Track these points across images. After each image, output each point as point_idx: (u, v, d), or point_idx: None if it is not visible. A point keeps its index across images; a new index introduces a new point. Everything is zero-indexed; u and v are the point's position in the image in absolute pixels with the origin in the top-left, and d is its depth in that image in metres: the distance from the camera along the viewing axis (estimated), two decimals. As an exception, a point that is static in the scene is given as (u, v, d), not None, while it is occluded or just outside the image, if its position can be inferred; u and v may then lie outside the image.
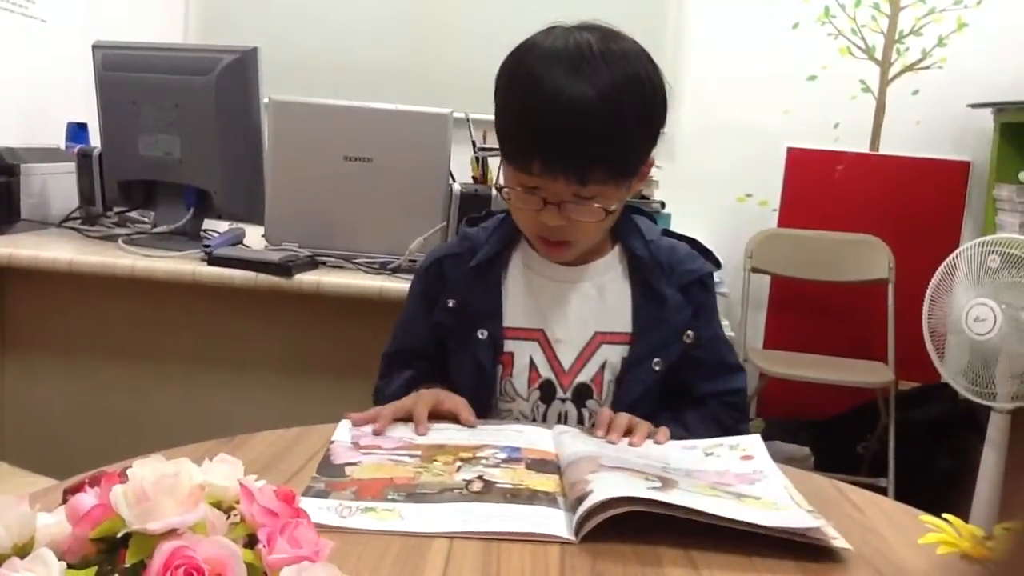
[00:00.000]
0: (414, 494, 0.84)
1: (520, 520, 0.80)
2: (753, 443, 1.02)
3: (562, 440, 0.99)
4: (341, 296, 1.71)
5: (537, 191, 1.08)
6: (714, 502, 0.81)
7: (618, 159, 1.07)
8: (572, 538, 0.77)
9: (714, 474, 0.93)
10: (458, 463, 0.92)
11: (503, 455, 0.95)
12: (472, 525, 0.79)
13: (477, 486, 0.86)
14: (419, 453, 0.95)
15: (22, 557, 0.50)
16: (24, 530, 0.52)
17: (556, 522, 0.80)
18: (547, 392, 1.17)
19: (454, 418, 1.07)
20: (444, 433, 1.03)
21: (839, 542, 0.78)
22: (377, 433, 1.02)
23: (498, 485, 0.87)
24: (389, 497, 0.83)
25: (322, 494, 0.83)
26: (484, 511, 0.81)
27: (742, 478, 0.92)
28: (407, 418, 1.06)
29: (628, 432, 1.04)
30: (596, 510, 0.77)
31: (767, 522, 0.78)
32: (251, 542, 0.54)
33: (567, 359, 1.17)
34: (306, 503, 0.80)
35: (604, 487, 0.80)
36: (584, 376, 1.17)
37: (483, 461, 0.93)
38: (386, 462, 0.92)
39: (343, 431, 1.01)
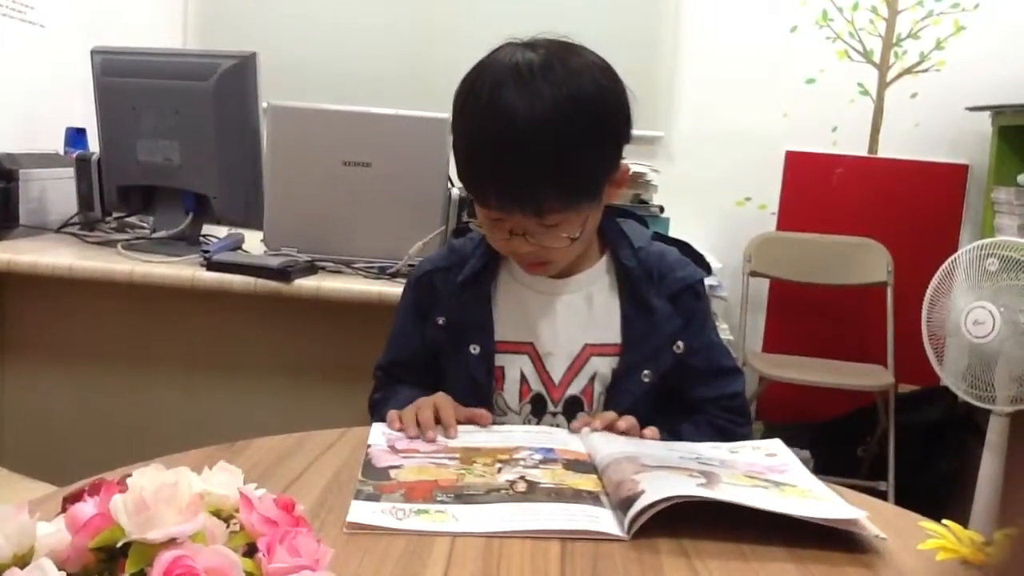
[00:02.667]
0: (462, 495, 0.86)
1: (571, 518, 0.82)
2: (774, 445, 1.05)
3: (592, 441, 1.01)
4: (340, 301, 1.71)
5: (502, 222, 1.07)
6: (762, 494, 0.84)
7: (572, 185, 1.04)
8: (624, 535, 0.79)
9: (744, 465, 0.96)
10: (498, 465, 0.94)
11: (539, 456, 0.97)
12: (525, 524, 0.80)
13: (522, 486, 0.88)
14: (457, 456, 0.97)
15: (22, 567, 0.50)
16: (24, 539, 0.52)
17: (605, 521, 0.82)
18: (538, 406, 1.17)
19: (470, 423, 1.08)
20: (475, 436, 1.05)
21: (876, 531, 0.81)
22: (411, 437, 1.03)
23: (541, 485, 0.89)
24: (438, 499, 0.85)
25: (373, 497, 0.85)
26: (534, 510, 0.83)
27: (772, 469, 0.95)
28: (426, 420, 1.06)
29: (610, 425, 1.05)
30: (647, 508, 0.79)
31: (816, 513, 0.81)
32: (251, 551, 0.54)
33: (557, 372, 1.16)
34: (360, 507, 0.82)
35: (656, 486, 0.82)
36: (574, 389, 1.16)
37: (521, 462, 0.95)
38: (428, 465, 0.94)
39: (377, 435, 1.03)
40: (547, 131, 1.00)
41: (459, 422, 1.07)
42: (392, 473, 0.91)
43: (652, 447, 1.00)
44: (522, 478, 0.90)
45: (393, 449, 0.99)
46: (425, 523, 0.80)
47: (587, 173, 1.06)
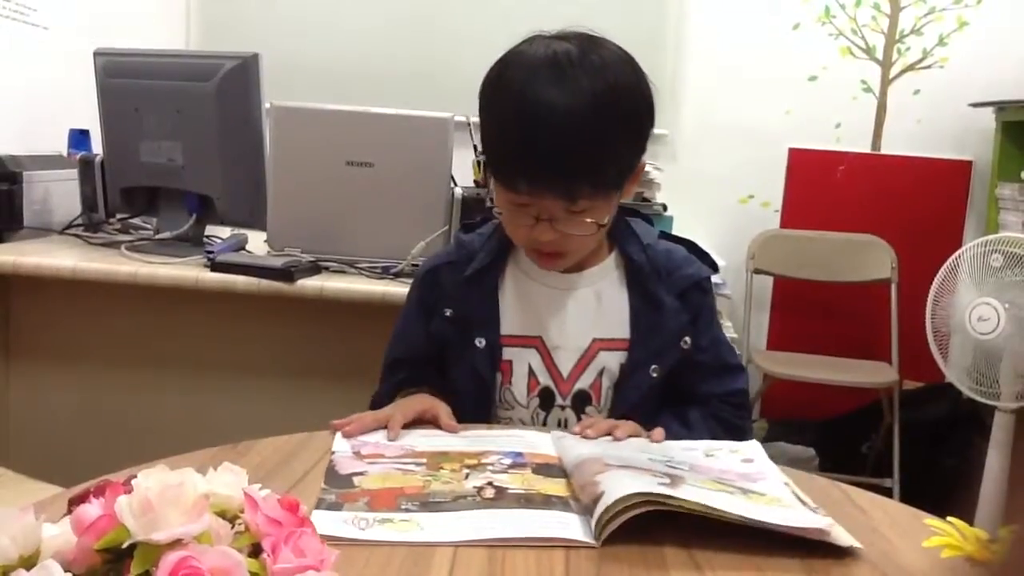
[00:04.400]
0: (427, 503, 0.83)
1: (540, 526, 0.80)
2: (752, 448, 1.03)
3: (563, 444, 0.99)
4: (344, 301, 1.71)
5: (528, 208, 1.07)
6: (725, 498, 0.82)
7: (604, 173, 1.06)
8: (593, 542, 0.77)
9: (717, 471, 0.94)
10: (465, 470, 0.92)
11: (508, 461, 0.95)
12: (493, 532, 0.78)
13: (489, 493, 0.86)
14: (424, 461, 0.95)
15: (28, 568, 0.50)
16: (30, 541, 0.52)
17: (574, 527, 0.80)
18: (546, 399, 1.17)
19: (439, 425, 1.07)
20: (444, 440, 1.02)
21: (848, 540, 0.78)
22: (347, 436, 1.01)
23: (510, 491, 0.86)
24: (403, 507, 0.82)
25: (335, 506, 0.82)
26: (502, 518, 0.81)
27: (745, 477, 0.93)
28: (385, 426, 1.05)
29: (610, 432, 1.04)
30: (616, 513, 0.77)
31: (779, 520, 0.78)
32: (256, 551, 0.54)
33: (565, 366, 1.17)
34: (321, 516, 0.79)
35: (615, 486, 0.80)
36: (583, 383, 1.17)
37: (489, 467, 0.93)
38: (393, 471, 0.92)
39: (341, 440, 1.01)
40: (585, 120, 1.01)
41: (426, 423, 1.06)
42: (356, 480, 0.88)
43: (622, 448, 0.98)
44: (490, 484, 0.88)
45: (358, 455, 0.96)
46: (389, 533, 0.77)
47: (619, 161, 1.08)
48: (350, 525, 0.78)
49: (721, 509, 0.78)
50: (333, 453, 0.97)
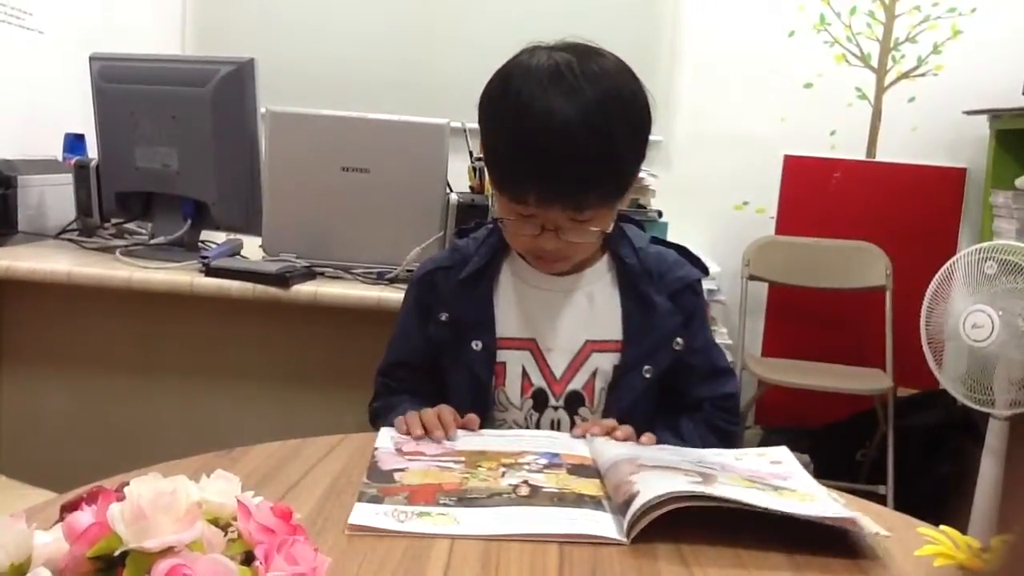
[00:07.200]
0: (464, 499, 0.87)
1: (571, 523, 0.82)
2: (781, 453, 1.05)
3: (597, 446, 1.02)
4: (339, 306, 1.71)
5: (533, 218, 1.09)
6: (757, 494, 0.84)
7: (611, 182, 1.08)
8: (623, 539, 0.80)
9: (747, 471, 0.96)
10: (502, 469, 0.95)
11: (544, 461, 0.98)
12: (525, 528, 0.81)
13: (524, 491, 0.89)
14: (463, 459, 0.98)
15: (19, 576, 0.50)
16: (21, 549, 0.52)
17: (605, 524, 0.82)
18: (539, 400, 1.18)
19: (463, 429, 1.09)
20: (482, 440, 1.06)
21: (874, 527, 0.80)
22: (417, 437, 1.05)
23: (544, 489, 0.90)
24: (441, 502, 0.86)
25: (376, 499, 0.86)
26: (535, 515, 0.84)
27: (774, 475, 0.96)
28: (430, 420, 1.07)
29: (609, 432, 1.06)
30: (647, 511, 0.79)
31: (811, 512, 0.81)
32: (248, 559, 0.54)
33: (559, 367, 1.18)
34: (363, 508, 0.83)
35: (649, 486, 0.82)
36: (576, 384, 1.18)
37: (526, 467, 0.96)
38: (432, 468, 0.95)
39: (385, 438, 1.04)
40: (593, 130, 1.02)
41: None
42: (397, 476, 0.92)
43: (656, 450, 1.01)
44: (525, 482, 0.91)
45: (400, 452, 1.00)
46: (426, 525, 0.81)
47: (625, 170, 1.10)
48: (389, 517, 0.82)
49: (756, 503, 0.80)
50: (376, 449, 1.00)
